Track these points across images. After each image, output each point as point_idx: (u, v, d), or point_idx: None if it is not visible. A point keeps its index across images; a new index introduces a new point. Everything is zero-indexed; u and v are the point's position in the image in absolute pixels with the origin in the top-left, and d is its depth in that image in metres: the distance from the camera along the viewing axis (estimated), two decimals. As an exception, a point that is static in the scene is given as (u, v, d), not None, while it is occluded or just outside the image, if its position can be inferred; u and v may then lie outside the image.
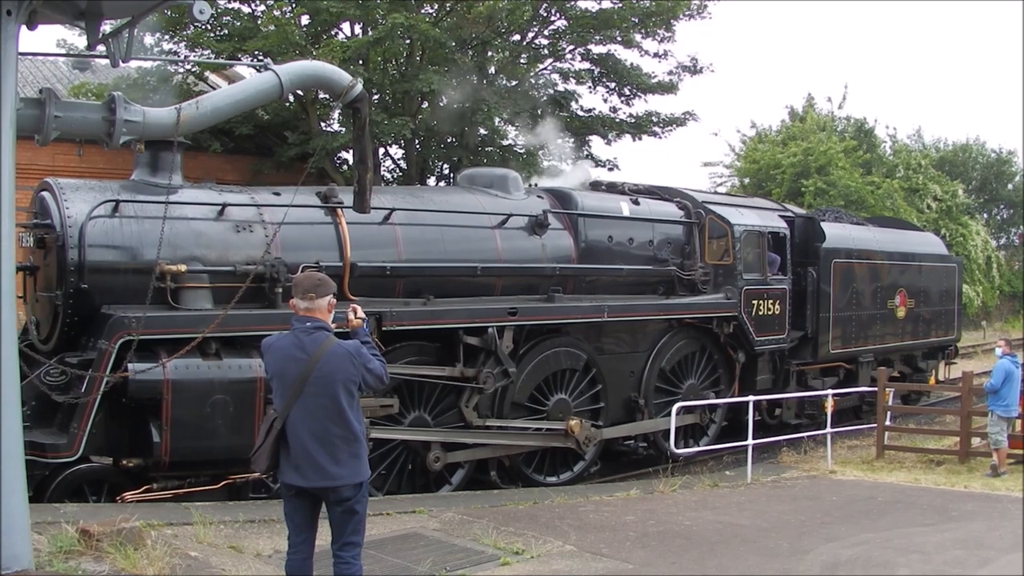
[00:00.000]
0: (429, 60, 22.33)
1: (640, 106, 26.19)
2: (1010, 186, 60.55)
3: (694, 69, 25.77)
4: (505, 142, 24.75)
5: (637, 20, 24.28)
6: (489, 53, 24.04)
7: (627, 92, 25.88)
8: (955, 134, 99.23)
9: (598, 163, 25.76)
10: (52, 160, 19.59)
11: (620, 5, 24.08)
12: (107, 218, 10.96)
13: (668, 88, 25.59)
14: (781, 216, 18.95)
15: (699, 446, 16.79)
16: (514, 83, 24.91)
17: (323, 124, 24.31)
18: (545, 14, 24.17)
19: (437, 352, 13.17)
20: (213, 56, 21.63)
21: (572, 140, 24.76)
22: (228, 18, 22.72)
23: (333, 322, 6.48)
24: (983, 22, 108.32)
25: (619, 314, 15.22)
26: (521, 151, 22.50)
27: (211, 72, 24.36)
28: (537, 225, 14.73)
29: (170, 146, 11.10)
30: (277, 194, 12.63)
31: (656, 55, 25.54)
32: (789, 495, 13.28)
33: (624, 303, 15.44)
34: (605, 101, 26.22)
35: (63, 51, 22.78)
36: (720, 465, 17.11)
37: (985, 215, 59.36)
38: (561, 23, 24.44)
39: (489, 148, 24.19)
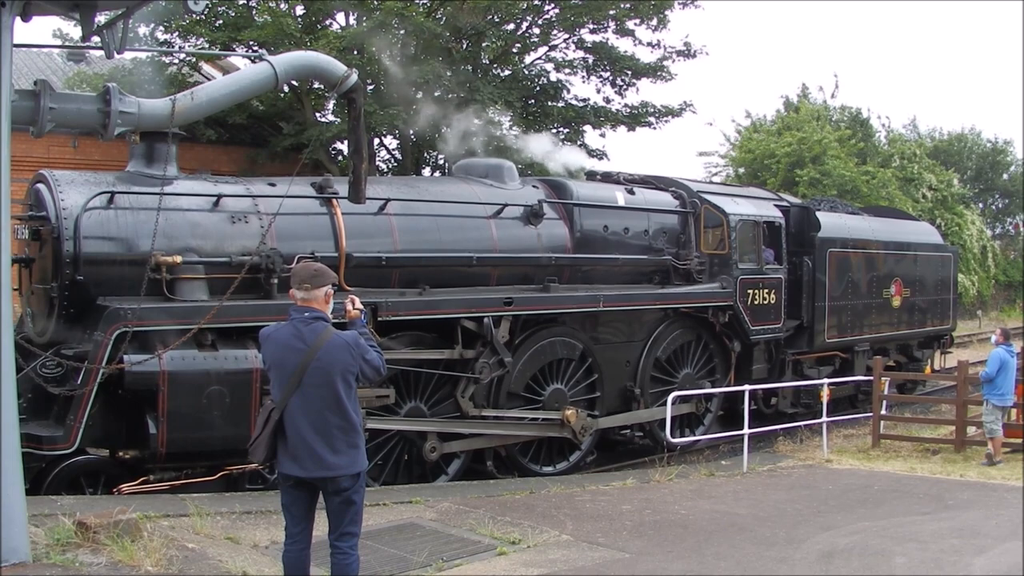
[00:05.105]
0: (423, 50, 22.29)
1: (633, 96, 26.19)
2: (1005, 175, 60.64)
3: (688, 53, 25.67)
4: (499, 132, 24.73)
5: (629, 6, 24.21)
6: (484, 43, 24.01)
7: (621, 82, 25.81)
8: (951, 123, 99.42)
9: (590, 153, 25.71)
10: (47, 152, 19.59)
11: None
12: (102, 210, 10.94)
13: (660, 72, 25.46)
14: (776, 205, 18.96)
15: (695, 435, 16.83)
16: (507, 73, 24.90)
17: (318, 114, 24.30)
18: (539, 2, 24.11)
19: (433, 341, 13.16)
20: (208, 46, 21.61)
21: (565, 130, 24.75)
22: (223, 8, 22.67)
23: (331, 313, 6.48)
24: (980, 11, 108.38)
25: (615, 304, 15.23)
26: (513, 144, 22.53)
27: (206, 63, 24.32)
28: (532, 215, 14.72)
29: (165, 137, 11.11)
30: (272, 185, 12.61)
31: (649, 44, 25.50)
32: (785, 484, 13.30)
33: (620, 293, 15.44)
34: (598, 91, 26.20)
35: (58, 42, 22.75)
36: (716, 454, 17.14)
37: (980, 205, 59.45)
38: (554, 11, 24.36)
39: (483, 138, 24.18)
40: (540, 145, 19.78)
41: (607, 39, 25.21)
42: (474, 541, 9.24)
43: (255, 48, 22.03)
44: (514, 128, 22.92)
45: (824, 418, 16.53)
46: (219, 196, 11.80)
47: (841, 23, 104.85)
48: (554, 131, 24.08)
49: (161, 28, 22.47)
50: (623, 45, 25.47)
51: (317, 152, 22.71)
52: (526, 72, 25.35)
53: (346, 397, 6.26)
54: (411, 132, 23.06)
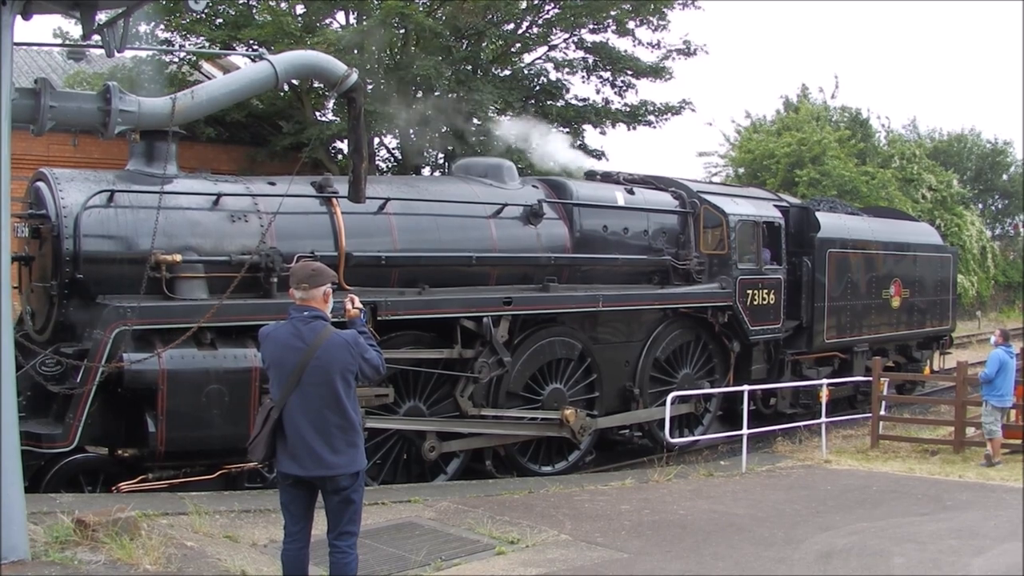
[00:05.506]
0: (423, 49, 22.29)
1: (633, 97, 26.17)
2: (1005, 176, 60.61)
3: (688, 52, 25.66)
4: (499, 132, 24.71)
5: (630, 7, 24.19)
6: (484, 43, 24.00)
7: (620, 83, 25.80)
8: (950, 124, 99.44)
9: (589, 152, 25.65)
10: (47, 150, 19.58)
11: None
12: (102, 208, 10.95)
13: (661, 72, 25.43)
14: (776, 206, 18.96)
15: (694, 435, 16.84)
16: (507, 73, 24.88)
17: (318, 113, 24.29)
18: (539, 2, 24.10)
19: (433, 341, 13.17)
20: (208, 45, 21.61)
21: (565, 130, 24.72)
22: (223, 7, 22.67)
23: (331, 312, 6.48)
24: (980, 11, 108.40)
25: (614, 304, 15.23)
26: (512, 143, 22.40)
27: (206, 61, 24.32)
28: (532, 214, 14.72)
29: (165, 136, 11.11)
30: (272, 184, 12.61)
31: (650, 44, 25.49)
32: (784, 484, 13.30)
33: (619, 293, 15.44)
34: (598, 92, 26.19)
35: (59, 41, 22.74)
36: (715, 454, 17.16)
37: (980, 205, 59.45)
38: (554, 11, 24.34)
39: (483, 137, 24.16)
40: (519, 130, 19.76)
41: (607, 39, 25.21)
42: (473, 540, 9.25)
43: (255, 47, 22.04)
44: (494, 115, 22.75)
45: (823, 419, 16.54)
46: (219, 195, 11.80)
47: (841, 23, 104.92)
48: (554, 129, 24.03)
49: (161, 27, 22.47)
50: (623, 45, 25.51)
51: (317, 151, 22.71)
52: (525, 72, 25.34)
53: (345, 396, 6.26)
54: (410, 132, 23.09)
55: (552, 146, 19.32)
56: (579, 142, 25.33)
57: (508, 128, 20.35)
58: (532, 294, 14.26)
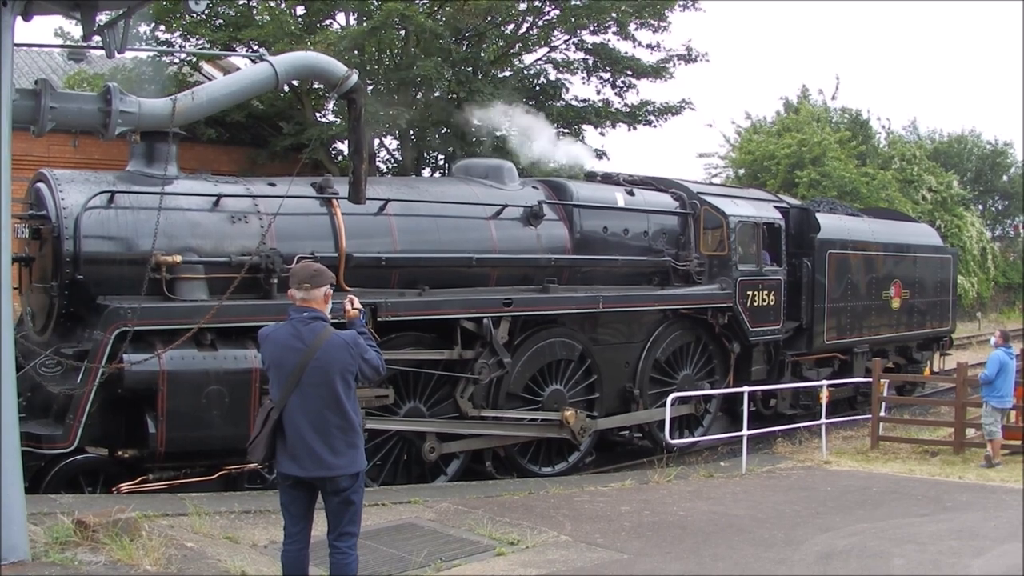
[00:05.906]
0: (424, 50, 22.29)
1: (633, 97, 26.16)
2: (1005, 177, 60.58)
3: (689, 57, 25.66)
4: (499, 133, 24.69)
5: (631, 10, 24.18)
6: (484, 44, 24.01)
7: (621, 84, 25.79)
8: (951, 125, 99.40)
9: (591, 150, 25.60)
10: (47, 151, 19.56)
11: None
12: (103, 209, 10.96)
13: (661, 72, 25.40)
14: (776, 207, 18.96)
15: (694, 436, 16.83)
16: (507, 73, 24.86)
17: (318, 114, 24.29)
18: (540, 4, 24.09)
19: (433, 342, 13.17)
20: (208, 46, 21.61)
21: (565, 130, 24.70)
22: (223, 8, 22.67)
23: (331, 313, 6.49)
24: (980, 12, 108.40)
25: (614, 305, 15.23)
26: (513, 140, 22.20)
27: (206, 63, 24.32)
28: (532, 216, 14.72)
29: (165, 137, 11.12)
30: (272, 185, 12.62)
31: (650, 46, 25.47)
32: (784, 485, 13.30)
33: (619, 294, 15.44)
34: (598, 93, 26.17)
35: (59, 41, 22.73)
36: (715, 455, 17.16)
37: (980, 206, 59.42)
38: (555, 12, 24.34)
39: (484, 138, 24.14)
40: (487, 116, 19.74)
41: (607, 40, 25.19)
42: (473, 541, 9.25)
43: (255, 48, 22.05)
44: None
45: (823, 420, 16.53)
46: (219, 196, 11.81)
47: (841, 24, 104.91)
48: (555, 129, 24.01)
49: (162, 28, 22.48)
50: (623, 47, 25.49)
51: (317, 152, 22.71)
52: (525, 72, 25.33)
53: (345, 397, 6.26)
54: (410, 133, 23.10)
55: (534, 133, 19.16)
56: (580, 142, 25.28)
57: (481, 115, 20.32)
58: (532, 295, 14.26)
